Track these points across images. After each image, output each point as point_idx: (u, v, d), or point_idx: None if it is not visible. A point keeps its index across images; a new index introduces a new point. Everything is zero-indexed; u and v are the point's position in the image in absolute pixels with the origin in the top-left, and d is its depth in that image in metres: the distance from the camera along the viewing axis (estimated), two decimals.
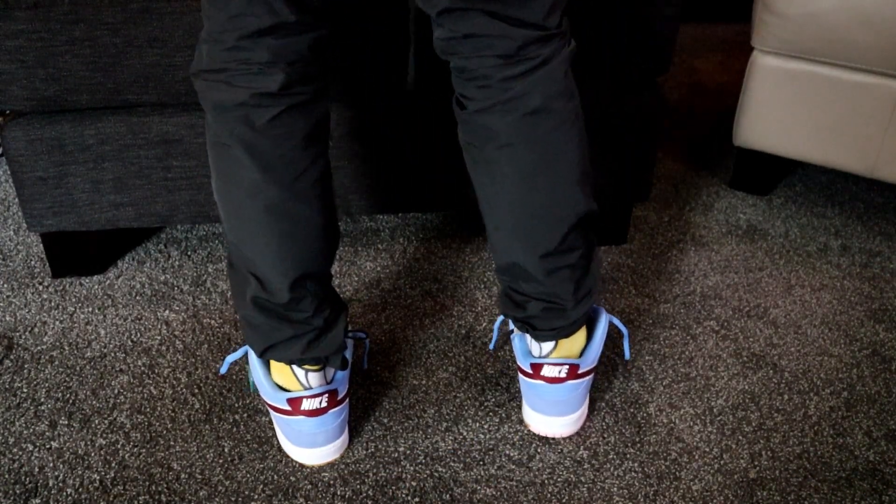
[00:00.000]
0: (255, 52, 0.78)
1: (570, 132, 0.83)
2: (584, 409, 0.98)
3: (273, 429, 0.98)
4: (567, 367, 0.92)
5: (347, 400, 0.94)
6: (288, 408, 0.89)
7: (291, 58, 0.79)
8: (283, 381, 0.90)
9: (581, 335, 0.94)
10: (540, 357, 0.94)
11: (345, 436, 0.95)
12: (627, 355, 0.99)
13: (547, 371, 0.93)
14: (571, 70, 0.84)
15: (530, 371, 0.93)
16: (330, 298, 0.90)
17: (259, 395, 0.99)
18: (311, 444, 0.91)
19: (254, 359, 0.91)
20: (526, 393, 0.96)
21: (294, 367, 0.89)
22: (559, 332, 0.91)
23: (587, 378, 0.95)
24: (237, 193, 0.82)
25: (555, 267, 0.87)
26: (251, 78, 0.78)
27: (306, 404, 0.88)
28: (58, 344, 1.12)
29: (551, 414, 0.95)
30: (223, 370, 0.95)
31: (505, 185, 0.84)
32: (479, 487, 0.91)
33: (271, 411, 0.92)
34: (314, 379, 0.90)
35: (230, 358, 0.94)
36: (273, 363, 0.91)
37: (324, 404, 0.89)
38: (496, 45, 0.78)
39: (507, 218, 0.85)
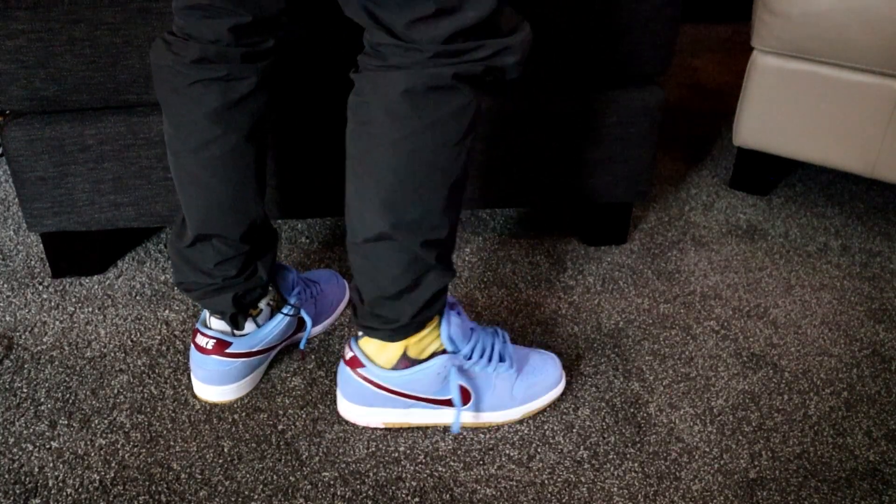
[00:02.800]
0: (186, 22, 0.85)
1: (387, 153, 0.80)
2: (368, 412, 0.97)
3: (272, 427, 0.98)
4: (352, 354, 0.95)
5: (245, 360, 1.00)
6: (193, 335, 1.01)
7: (210, 36, 0.85)
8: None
9: (395, 350, 0.94)
10: (354, 336, 0.98)
11: (229, 388, 1.01)
12: (456, 429, 0.95)
13: (346, 351, 0.97)
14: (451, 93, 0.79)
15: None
16: (240, 263, 0.96)
17: None
18: (194, 374, 1.01)
19: None
20: None
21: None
22: (358, 324, 0.93)
23: (376, 389, 0.95)
24: (166, 140, 0.92)
25: (358, 261, 0.88)
26: (179, 45, 0.86)
27: (198, 338, 1.00)
28: (58, 344, 1.12)
29: (338, 389, 0.98)
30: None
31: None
32: (479, 487, 0.91)
33: None
34: (215, 322, 1.01)
35: None
36: None
37: (209, 346, 0.99)
38: (367, 35, 0.80)
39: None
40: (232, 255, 0.95)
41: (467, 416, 0.98)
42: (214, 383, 1.00)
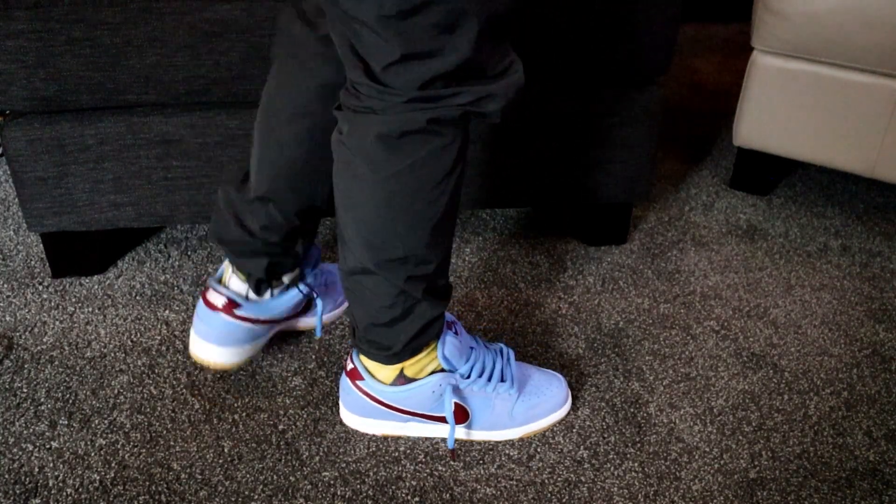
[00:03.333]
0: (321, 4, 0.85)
1: (365, 195, 0.80)
2: (366, 423, 0.97)
3: (273, 427, 0.98)
4: (352, 366, 0.95)
5: (250, 326, 1.01)
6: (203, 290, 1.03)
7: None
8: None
9: (392, 369, 0.93)
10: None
11: (227, 350, 1.01)
12: (450, 444, 0.93)
13: (347, 362, 0.96)
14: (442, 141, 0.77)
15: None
16: (284, 234, 0.97)
17: None
18: (195, 329, 1.01)
19: None
20: None
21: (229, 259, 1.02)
22: (355, 345, 0.94)
23: (374, 403, 0.94)
24: (263, 97, 0.94)
25: (349, 289, 0.88)
26: (312, 17, 0.87)
27: (209, 293, 1.00)
28: (58, 344, 1.12)
29: (340, 398, 0.99)
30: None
31: None
32: (479, 487, 0.91)
33: None
34: (235, 282, 1.01)
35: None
36: None
37: (218, 304, 0.99)
38: (348, 69, 0.77)
39: None
40: (280, 225, 0.96)
41: (464, 434, 0.97)
42: (213, 342, 1.00)
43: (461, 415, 0.94)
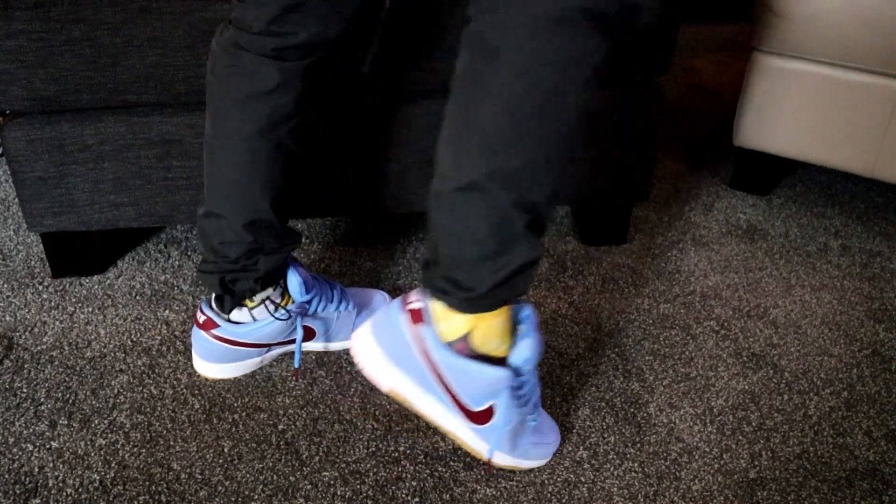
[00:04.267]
0: (232, 7, 0.88)
1: (497, 86, 0.73)
2: (389, 369, 0.86)
3: (272, 427, 0.98)
4: (422, 307, 0.83)
5: (229, 347, 1.03)
6: None
7: (247, 21, 0.87)
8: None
9: (462, 323, 0.82)
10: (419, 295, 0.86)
11: (213, 366, 1.04)
12: (490, 455, 0.89)
13: (413, 297, 0.85)
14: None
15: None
16: (242, 250, 0.97)
17: None
18: (192, 345, 1.06)
19: None
20: None
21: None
22: (427, 284, 0.83)
23: (421, 355, 0.84)
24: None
25: (442, 215, 0.79)
26: (225, 29, 0.90)
27: (198, 311, 1.05)
28: (58, 344, 1.12)
29: (373, 329, 0.88)
30: None
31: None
32: (479, 487, 0.91)
33: None
34: (215, 300, 1.04)
35: None
36: None
37: (200, 321, 1.03)
38: None
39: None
40: (234, 241, 0.97)
41: (469, 437, 0.89)
42: (200, 356, 1.05)
43: (486, 415, 0.87)
